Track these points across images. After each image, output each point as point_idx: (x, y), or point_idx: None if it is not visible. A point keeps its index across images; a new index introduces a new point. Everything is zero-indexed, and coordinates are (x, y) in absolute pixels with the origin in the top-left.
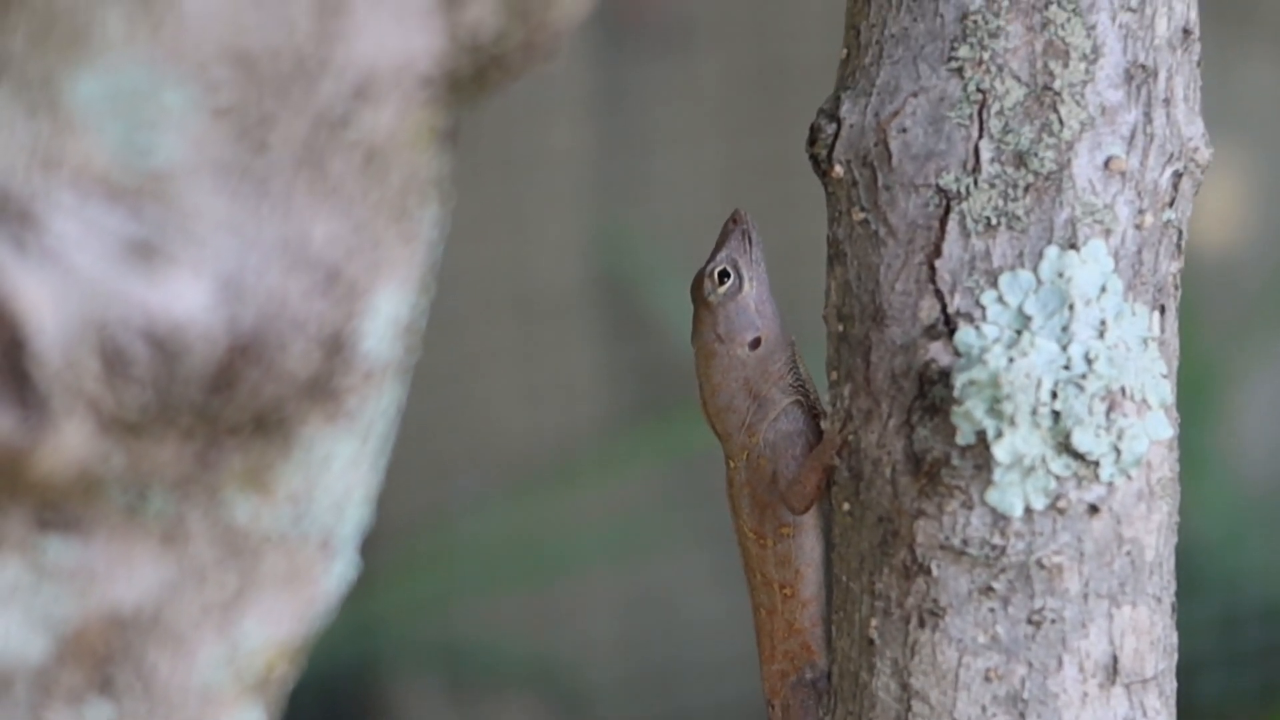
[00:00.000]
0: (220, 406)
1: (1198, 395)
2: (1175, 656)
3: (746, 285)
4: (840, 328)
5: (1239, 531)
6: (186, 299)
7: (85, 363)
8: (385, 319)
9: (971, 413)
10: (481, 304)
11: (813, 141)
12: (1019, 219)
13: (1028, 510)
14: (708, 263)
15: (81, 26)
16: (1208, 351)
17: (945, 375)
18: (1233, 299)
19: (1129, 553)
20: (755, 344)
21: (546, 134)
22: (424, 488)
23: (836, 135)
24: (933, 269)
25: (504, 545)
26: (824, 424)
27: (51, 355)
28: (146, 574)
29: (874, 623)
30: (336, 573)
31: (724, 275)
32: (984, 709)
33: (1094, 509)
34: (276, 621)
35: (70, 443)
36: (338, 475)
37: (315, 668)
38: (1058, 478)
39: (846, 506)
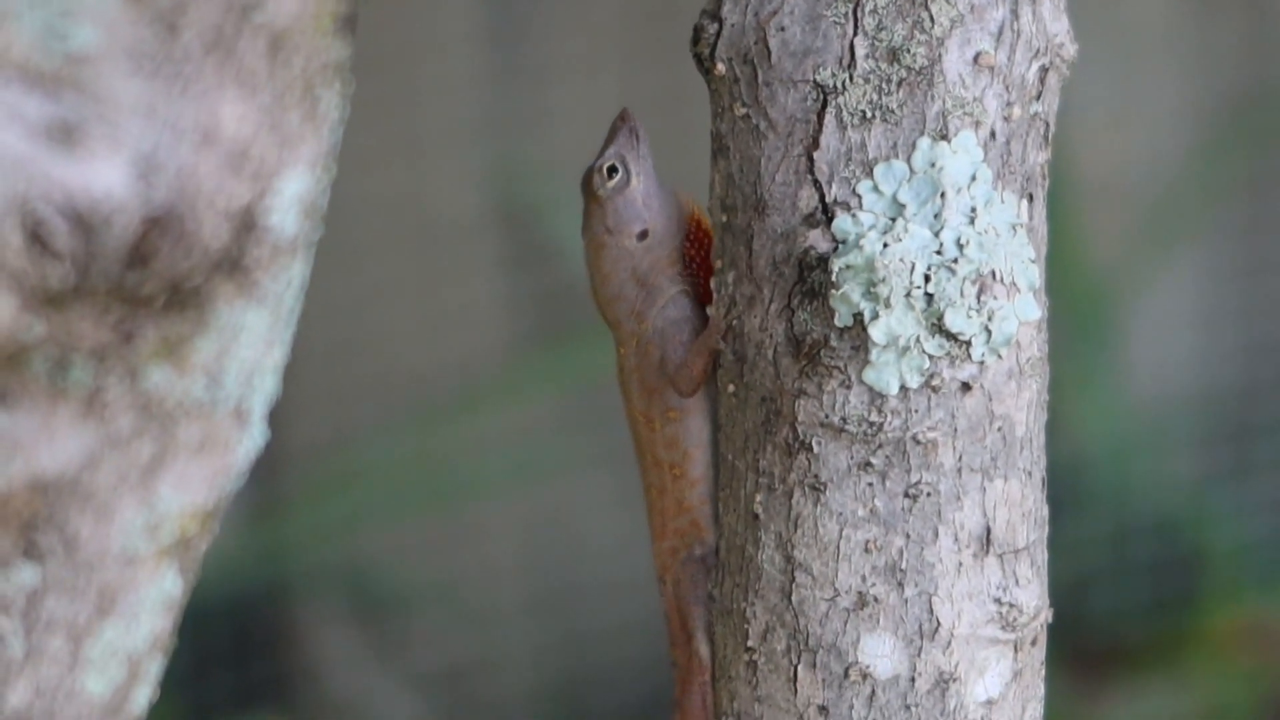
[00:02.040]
0: (137, 280)
1: (1088, 313)
2: (1046, 529)
3: (634, 180)
4: (724, 218)
5: (1129, 447)
6: (104, 177)
7: (8, 238)
8: (292, 196)
9: (849, 296)
10: (381, 233)
11: (696, 41)
12: (893, 112)
13: (903, 389)
14: (596, 159)
15: None
16: (1098, 271)
17: (823, 261)
18: (1122, 219)
19: (1000, 429)
20: (643, 235)
21: (444, 65)
22: (327, 415)
23: (718, 34)
24: (811, 161)
25: (407, 470)
26: (709, 310)
27: None
28: (68, 442)
29: (759, 498)
30: (248, 441)
31: (612, 170)
32: (864, 578)
33: (966, 387)
34: (192, 487)
35: None
36: (248, 347)
37: (222, 592)
38: (931, 357)
39: (731, 388)
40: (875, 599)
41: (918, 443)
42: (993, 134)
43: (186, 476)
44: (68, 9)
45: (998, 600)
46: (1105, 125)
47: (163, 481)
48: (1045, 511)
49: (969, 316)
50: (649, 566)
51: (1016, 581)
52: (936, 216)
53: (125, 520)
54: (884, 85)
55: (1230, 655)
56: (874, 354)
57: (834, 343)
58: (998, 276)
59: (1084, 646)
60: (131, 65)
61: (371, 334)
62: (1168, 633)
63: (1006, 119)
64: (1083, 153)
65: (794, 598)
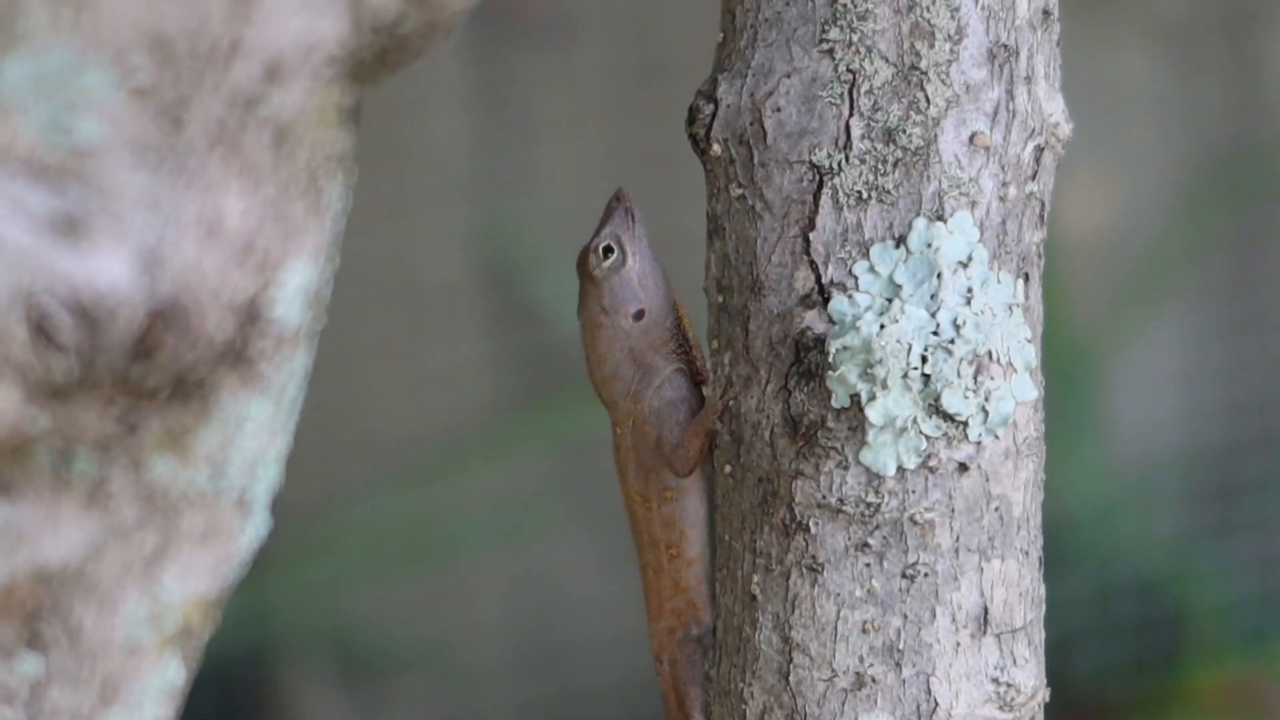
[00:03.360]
0: (142, 372)
1: (1072, 373)
2: (1043, 607)
3: (630, 259)
4: (720, 299)
5: (1113, 506)
6: (109, 270)
7: (13, 331)
8: (295, 288)
9: (846, 377)
10: (368, 294)
11: (691, 121)
12: (889, 192)
13: (900, 469)
14: (592, 239)
15: (6, 14)
16: (1081, 330)
17: (820, 342)
18: (1105, 278)
19: (997, 509)
20: (639, 315)
21: (430, 126)
22: (314, 475)
23: (714, 115)
24: (807, 241)
25: (393, 530)
26: (705, 390)
27: None
28: (72, 532)
29: (756, 579)
30: (251, 530)
31: (608, 250)
32: (862, 659)
33: (963, 467)
34: (195, 577)
35: (0, 407)
36: (252, 436)
37: (208, 654)
38: (928, 438)
39: (728, 469)
40: (873, 679)
41: (915, 523)
42: (988, 214)
43: (190, 566)
44: (73, 102)
45: (995, 680)
46: (1088, 183)
47: (166, 571)
48: (1042, 591)
49: (966, 397)
50: (634, 625)
51: (1014, 661)
52: (933, 297)
53: (129, 610)
54: (880, 166)
55: (1215, 714)
56: (871, 435)
57: (831, 424)
58: (994, 357)
59: (1069, 706)
60: (136, 158)
61: (357, 394)
62: (1152, 692)
63: (1002, 199)
64: (1066, 211)
65: (792, 678)
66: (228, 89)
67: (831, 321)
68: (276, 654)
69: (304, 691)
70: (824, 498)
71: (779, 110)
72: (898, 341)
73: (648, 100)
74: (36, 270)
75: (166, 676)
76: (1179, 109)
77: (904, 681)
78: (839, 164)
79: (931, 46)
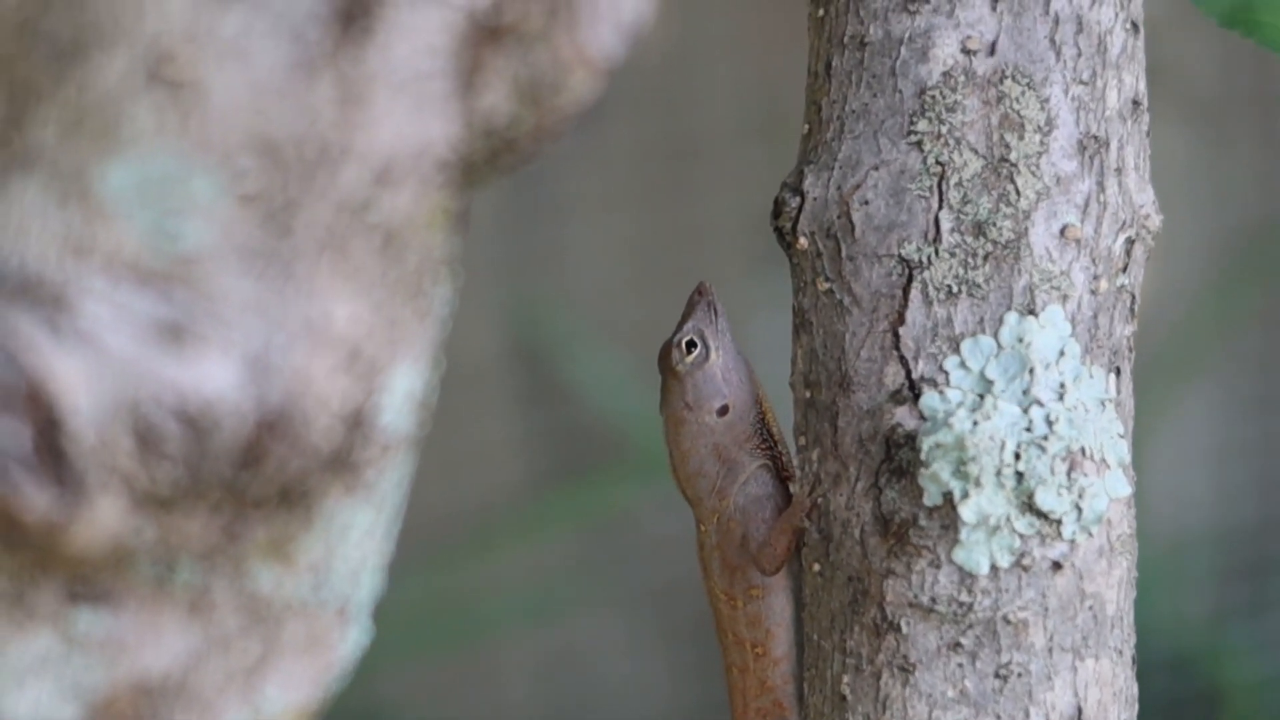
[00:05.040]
0: (248, 481)
1: None
2: (1136, 707)
3: (713, 354)
4: (807, 394)
5: (1145, 585)
6: (216, 378)
7: (119, 441)
8: (402, 394)
9: (938, 475)
10: None
11: (777, 215)
12: (979, 286)
13: (994, 568)
14: (675, 334)
15: (112, 119)
16: None
17: (911, 439)
18: (1136, 354)
19: (1091, 607)
20: (723, 411)
21: None
22: None
23: (800, 208)
24: (897, 336)
25: (423, 611)
26: (793, 487)
27: (86, 434)
28: (174, 643)
29: (846, 679)
30: (352, 639)
31: (690, 345)
32: None
33: (1057, 566)
34: (296, 687)
35: (104, 518)
36: (355, 544)
37: None
38: (1022, 536)
39: (817, 567)
40: None
41: (1008, 623)
42: (1080, 308)
43: (291, 676)
44: (179, 208)
45: None
46: None
47: (268, 681)
48: (1135, 690)
49: (1060, 495)
50: (665, 707)
51: None
52: (1025, 393)
53: None
54: (970, 259)
55: None
56: (964, 533)
57: (923, 522)
58: (1088, 453)
59: None
60: (243, 264)
61: None
62: None
63: (1093, 292)
64: None
65: None
66: (336, 193)
67: (923, 418)
68: None
69: None
70: (916, 597)
71: (867, 203)
72: (990, 438)
73: (679, 180)
74: (142, 378)
75: None
76: (1209, 184)
77: None
78: (929, 258)
79: (1021, 138)
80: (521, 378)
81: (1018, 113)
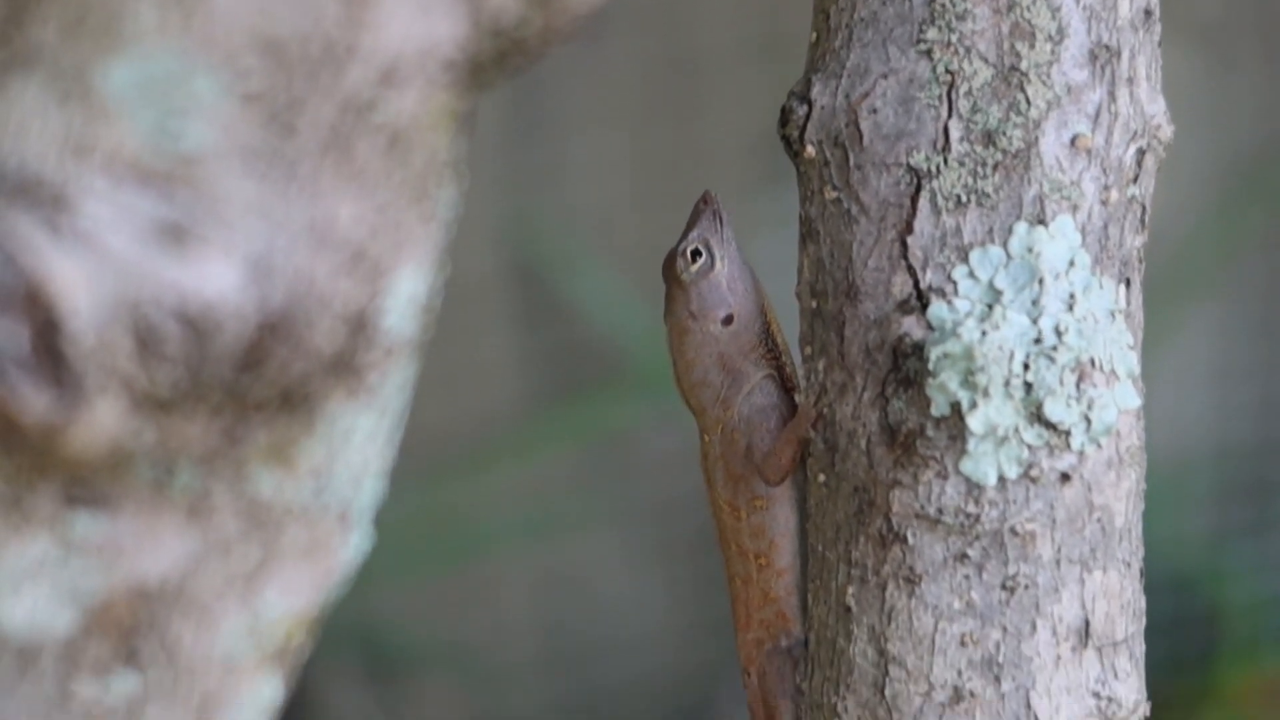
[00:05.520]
0: (249, 383)
1: None
2: (1144, 620)
3: (718, 263)
4: (814, 304)
5: (1146, 505)
6: (217, 279)
7: (119, 342)
8: (405, 297)
9: (946, 385)
10: None
11: (784, 123)
12: (988, 196)
13: (1001, 479)
14: (680, 242)
15: (114, 16)
16: None
17: (919, 349)
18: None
19: (1099, 519)
20: (728, 320)
21: None
22: None
23: (808, 117)
24: (905, 245)
25: (420, 528)
26: (798, 398)
27: (86, 335)
28: (172, 547)
29: (850, 590)
30: (353, 544)
31: (696, 254)
32: (960, 673)
33: (1066, 477)
34: (296, 592)
35: (103, 420)
36: (357, 449)
37: None
38: (1030, 447)
39: (822, 478)
40: (971, 694)
41: (1015, 534)
42: (1090, 218)
43: (292, 582)
44: (181, 107)
45: (1096, 695)
46: None
47: (268, 587)
48: (1143, 603)
49: (1069, 406)
50: (663, 624)
51: (1115, 675)
52: (1034, 303)
53: (229, 626)
54: (979, 169)
55: (1250, 713)
56: (971, 444)
57: (930, 432)
58: (1097, 364)
59: None
60: (245, 165)
61: None
62: (1187, 690)
63: (1104, 203)
64: None
65: (887, 692)
66: (341, 93)
67: (930, 328)
68: None
69: (329, 689)
70: (922, 508)
71: (875, 112)
72: (999, 348)
73: (680, 97)
74: (143, 279)
75: (264, 694)
76: (1213, 107)
77: (1003, 696)
78: (937, 167)
79: (1032, 47)
80: (521, 295)
81: (1028, 21)
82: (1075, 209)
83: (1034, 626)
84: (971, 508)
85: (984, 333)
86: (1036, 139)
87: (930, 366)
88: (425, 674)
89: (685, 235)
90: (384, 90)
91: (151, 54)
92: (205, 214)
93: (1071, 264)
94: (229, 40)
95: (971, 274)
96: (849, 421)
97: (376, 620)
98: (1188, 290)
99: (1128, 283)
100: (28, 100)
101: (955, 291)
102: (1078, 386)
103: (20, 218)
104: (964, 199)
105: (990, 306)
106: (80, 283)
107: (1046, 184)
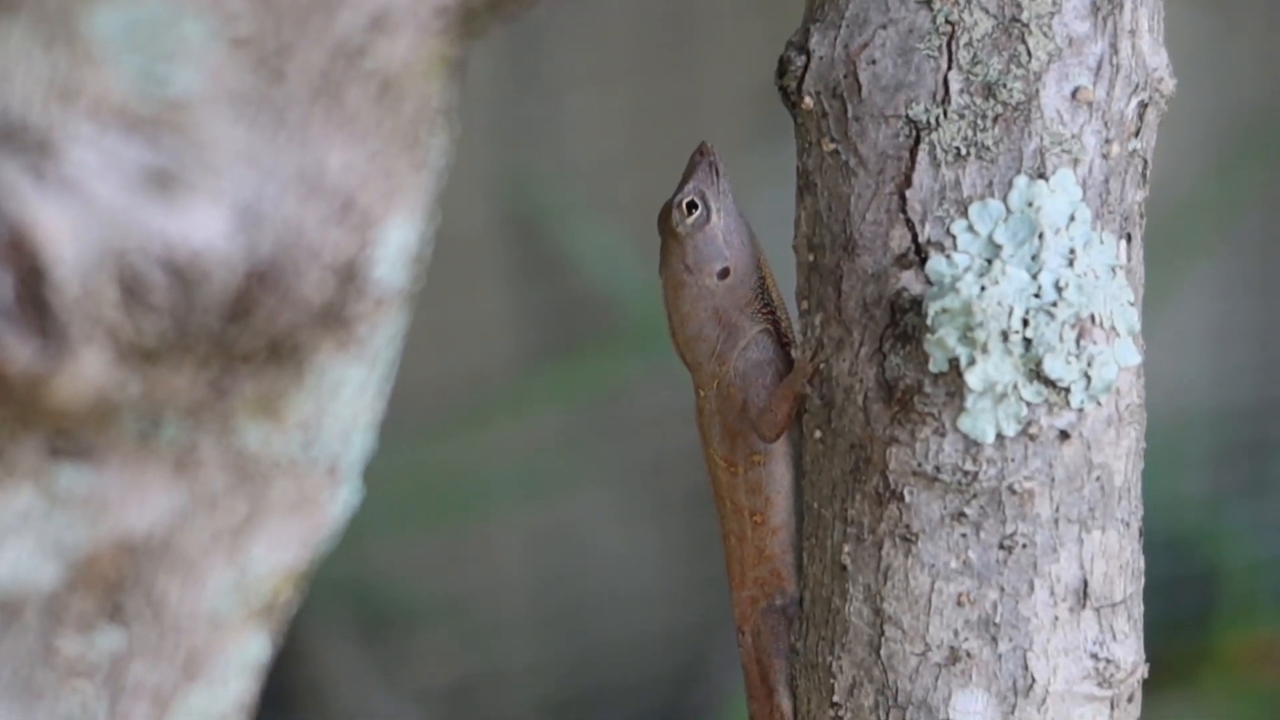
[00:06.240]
0: (237, 334)
1: None
2: (1142, 580)
3: (714, 216)
4: (811, 257)
5: (1144, 464)
6: (205, 227)
7: (104, 291)
8: (396, 247)
9: (944, 340)
10: None
11: (782, 74)
12: (988, 149)
13: (999, 437)
14: (675, 194)
15: None
16: None
17: (917, 303)
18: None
19: (1098, 478)
20: (724, 274)
21: None
22: None
23: (806, 67)
24: (903, 199)
25: (414, 484)
26: (794, 352)
27: (70, 283)
28: (158, 501)
29: (846, 549)
30: (342, 499)
31: (691, 206)
32: (956, 633)
33: (1064, 435)
34: (284, 547)
35: (88, 371)
36: (346, 402)
37: None
38: (1029, 404)
39: (818, 434)
40: (968, 654)
41: (1013, 493)
42: (1091, 172)
43: (279, 536)
44: (168, 52)
45: (1094, 655)
46: None
47: (255, 542)
48: (1142, 563)
49: (1068, 362)
50: (657, 581)
51: (1114, 636)
52: (1034, 258)
53: (215, 582)
54: (979, 121)
55: (1246, 673)
56: (970, 401)
57: (928, 389)
58: (1097, 320)
59: None
60: (234, 111)
61: None
62: (1184, 651)
63: (1105, 156)
64: None
65: (883, 652)
66: (331, 39)
67: (929, 282)
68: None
69: (323, 645)
70: (919, 465)
71: (874, 63)
72: (998, 304)
73: (677, 51)
74: (129, 227)
75: (251, 650)
76: (1214, 65)
77: (1000, 656)
78: (937, 119)
79: None
80: (515, 250)
81: None
82: (1076, 163)
83: (1032, 586)
84: (969, 465)
85: (983, 288)
86: (1037, 91)
87: (928, 322)
88: (419, 630)
89: (681, 187)
90: (375, 36)
91: None
92: (193, 161)
93: (1072, 219)
94: None
95: (971, 228)
96: (846, 377)
97: (370, 576)
98: (1186, 250)
99: (1128, 238)
100: (12, 45)
101: (954, 246)
102: (1077, 343)
103: (5, 164)
104: (963, 152)
105: (989, 261)
106: (65, 230)
107: (1047, 137)
